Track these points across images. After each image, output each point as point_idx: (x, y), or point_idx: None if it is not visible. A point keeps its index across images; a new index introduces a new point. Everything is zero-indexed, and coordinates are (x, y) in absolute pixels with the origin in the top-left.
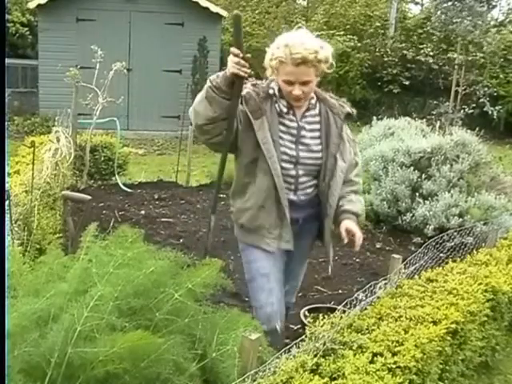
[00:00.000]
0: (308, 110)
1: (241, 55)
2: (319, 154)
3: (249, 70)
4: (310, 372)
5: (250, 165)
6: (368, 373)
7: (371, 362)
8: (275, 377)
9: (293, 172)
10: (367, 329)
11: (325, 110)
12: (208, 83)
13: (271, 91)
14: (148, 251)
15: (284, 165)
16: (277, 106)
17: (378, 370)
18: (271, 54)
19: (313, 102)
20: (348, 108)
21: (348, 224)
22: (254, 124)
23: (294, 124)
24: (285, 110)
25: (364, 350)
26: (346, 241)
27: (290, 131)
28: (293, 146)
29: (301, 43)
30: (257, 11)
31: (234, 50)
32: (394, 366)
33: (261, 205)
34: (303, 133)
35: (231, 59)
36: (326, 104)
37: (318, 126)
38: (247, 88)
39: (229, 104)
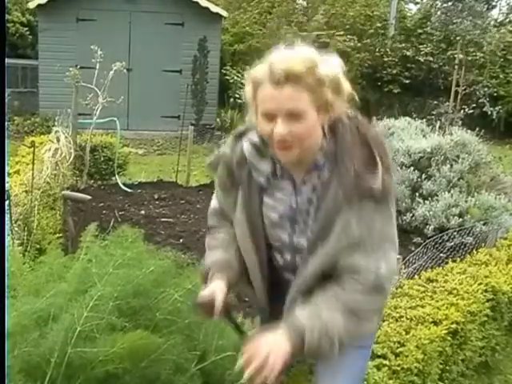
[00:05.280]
0: (309, 171)
1: None
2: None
3: None
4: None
5: None
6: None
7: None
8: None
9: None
10: None
11: (329, 173)
12: None
13: (246, 148)
14: (148, 251)
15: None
16: (258, 169)
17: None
18: (247, 82)
19: (319, 158)
20: (378, 181)
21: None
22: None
23: (287, 196)
24: (268, 172)
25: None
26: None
27: (279, 207)
28: (287, 227)
29: (288, 56)
30: (257, 11)
31: None
32: (398, 369)
33: None
34: (303, 207)
35: None
36: (336, 165)
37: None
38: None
39: None
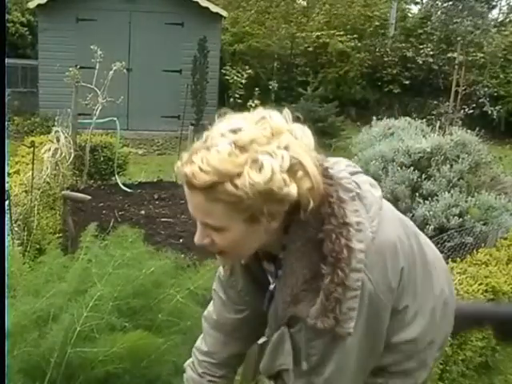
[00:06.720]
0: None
1: None
2: None
3: None
4: None
5: None
6: None
7: None
8: None
9: None
10: None
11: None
12: None
13: None
14: (148, 251)
15: None
16: None
17: None
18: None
19: (280, 255)
20: (312, 313)
21: None
22: None
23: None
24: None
25: None
26: None
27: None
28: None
29: (200, 156)
30: (254, 11)
31: None
32: None
33: None
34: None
35: None
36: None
37: None
38: None
39: None
